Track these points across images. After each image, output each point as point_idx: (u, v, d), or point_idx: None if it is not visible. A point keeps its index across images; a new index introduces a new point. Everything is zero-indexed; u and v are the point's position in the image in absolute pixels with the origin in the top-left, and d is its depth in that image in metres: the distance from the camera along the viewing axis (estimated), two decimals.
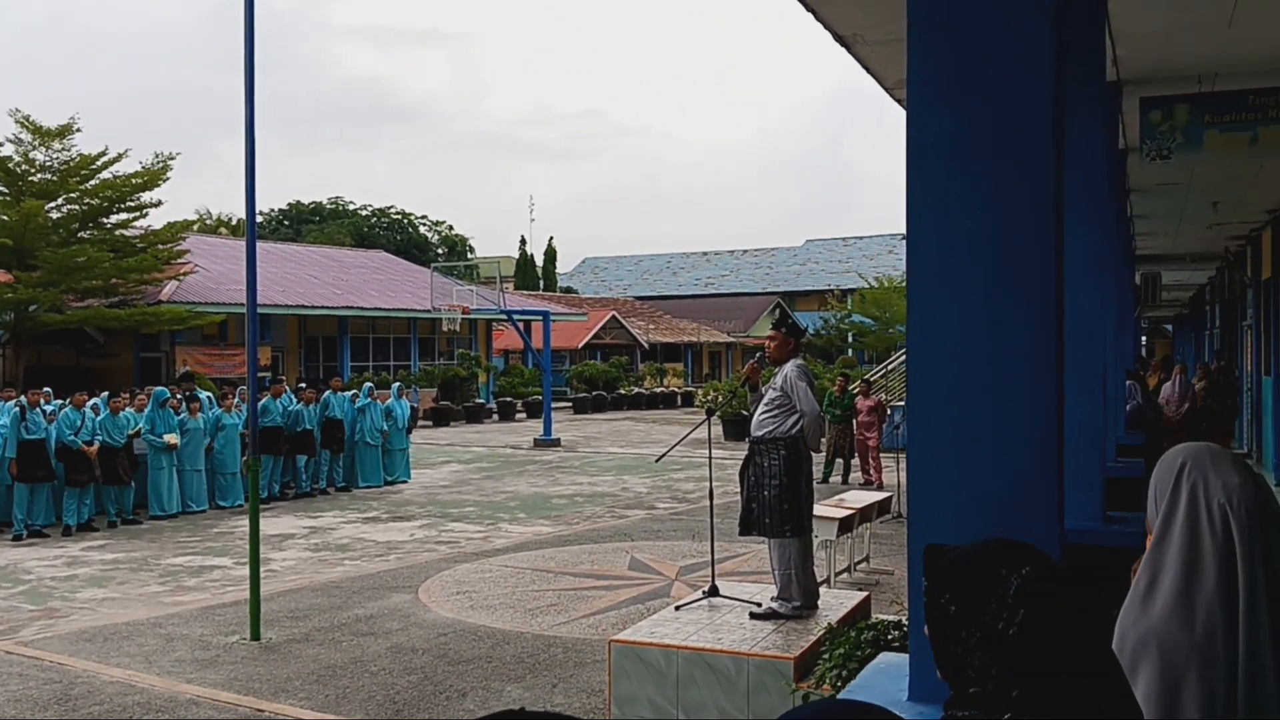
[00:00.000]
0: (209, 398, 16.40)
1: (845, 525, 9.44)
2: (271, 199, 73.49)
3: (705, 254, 73.96)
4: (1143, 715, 1.64)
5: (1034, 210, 2.94)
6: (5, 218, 24.87)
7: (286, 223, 64.55)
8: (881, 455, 16.97)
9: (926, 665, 1.83)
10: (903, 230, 3.35)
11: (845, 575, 9.93)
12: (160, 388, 16.19)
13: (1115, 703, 1.57)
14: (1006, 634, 1.56)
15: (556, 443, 25.09)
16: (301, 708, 6.66)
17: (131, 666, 7.61)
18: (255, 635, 8.28)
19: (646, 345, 48.60)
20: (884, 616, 6.39)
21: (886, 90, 7.64)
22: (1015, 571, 1.59)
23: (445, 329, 27.94)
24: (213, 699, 6.86)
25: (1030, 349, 2.92)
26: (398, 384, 19.93)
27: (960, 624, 1.60)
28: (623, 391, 39.85)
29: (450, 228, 70.19)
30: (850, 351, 47.32)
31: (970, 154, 2.99)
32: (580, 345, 45.09)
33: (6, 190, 25.82)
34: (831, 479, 17.12)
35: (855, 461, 17.46)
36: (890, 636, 5.52)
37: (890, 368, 26.75)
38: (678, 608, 7.12)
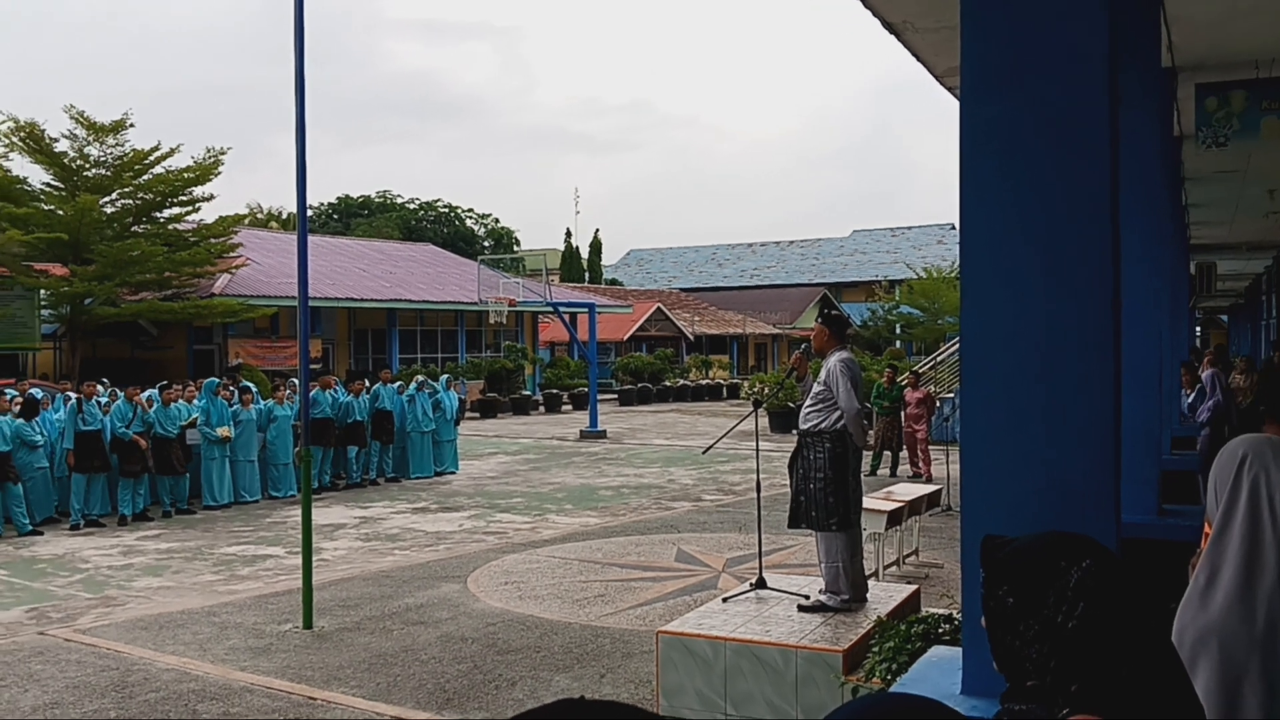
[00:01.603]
0: (254, 390, 16.61)
1: (894, 518, 9.38)
2: (321, 193, 74.24)
3: (751, 245, 73.70)
4: (1203, 711, 1.61)
5: (1089, 199, 2.90)
6: (61, 212, 25.35)
7: (336, 216, 65.22)
8: (930, 447, 16.83)
9: (981, 658, 1.82)
10: (953, 220, 3.32)
11: (894, 568, 9.87)
12: (211, 379, 16.46)
13: (1175, 698, 1.54)
14: (1065, 627, 1.55)
15: (602, 435, 25.15)
16: (353, 696, 6.74)
17: (186, 654, 7.74)
18: (308, 624, 8.39)
19: (692, 337, 48.54)
20: (934, 610, 6.34)
21: (937, 78, 7.57)
22: (1075, 564, 1.58)
23: (492, 321, 28.08)
24: (266, 686, 6.96)
25: (1085, 340, 2.88)
26: (445, 376, 20.07)
27: (1018, 616, 1.59)
28: (668, 384, 39.84)
29: (496, 220, 70.62)
30: (898, 343, 46.93)
31: (1024, 142, 2.96)
32: (625, 337, 45.13)
33: (62, 185, 26.31)
34: (880, 471, 17.00)
35: (904, 454, 17.33)
36: (941, 630, 5.48)
37: (939, 359, 26.50)
38: (725, 599, 7.12)
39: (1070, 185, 2.89)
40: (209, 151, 27.22)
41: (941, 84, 7.63)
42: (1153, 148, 6.41)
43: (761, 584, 7.21)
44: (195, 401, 14.94)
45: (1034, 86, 2.94)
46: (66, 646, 8.00)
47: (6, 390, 14.26)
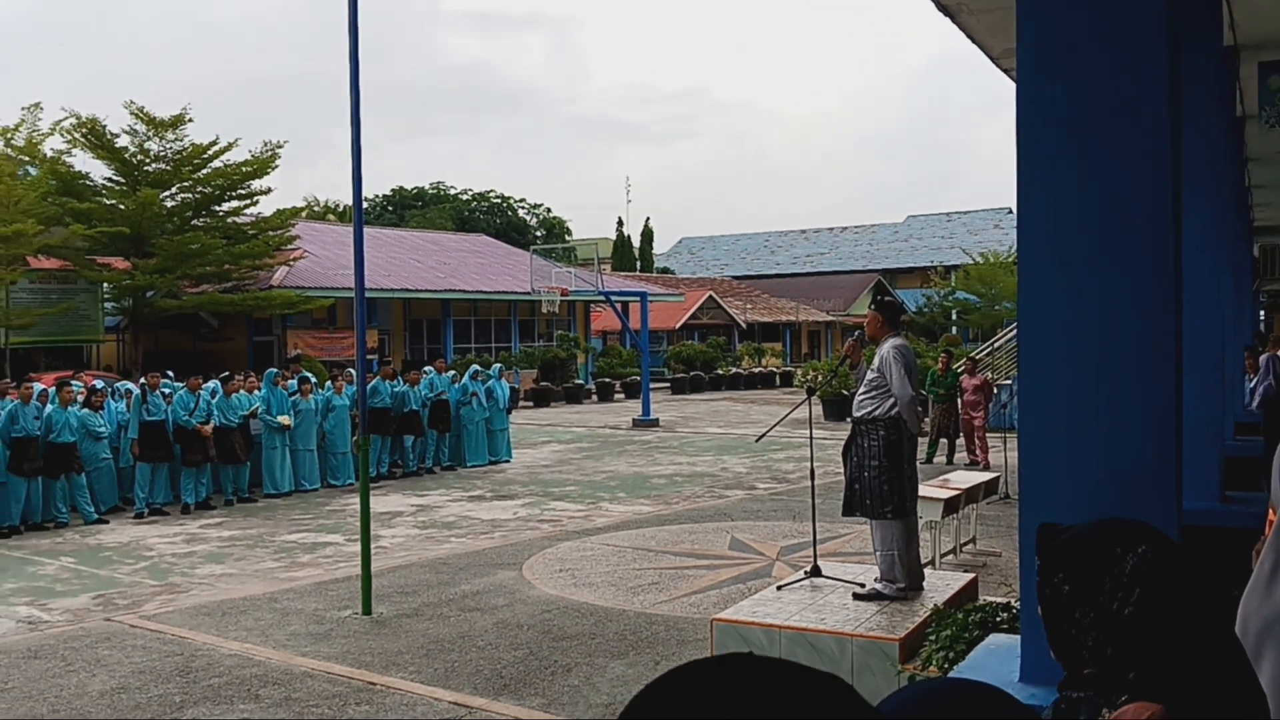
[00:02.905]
0: (313, 379, 16.84)
1: (951, 506, 9.30)
2: (376, 185, 74.98)
3: (804, 232, 73.23)
4: (1267, 701, 1.59)
5: (1149, 182, 2.86)
6: (122, 207, 25.85)
7: (390, 208, 65.84)
8: (988, 435, 16.65)
9: (1039, 646, 1.81)
10: (1009, 204, 3.28)
11: (951, 557, 9.79)
12: (271, 369, 16.73)
13: (1238, 688, 1.52)
14: (1122, 614, 1.53)
15: (655, 423, 25.18)
16: (412, 681, 6.83)
17: (249, 640, 7.89)
18: (366, 610, 8.51)
19: (744, 325, 48.39)
20: (992, 598, 6.29)
21: (993, 60, 7.46)
22: (1131, 550, 1.56)
23: (544, 311, 28.24)
24: (326, 671, 7.07)
25: (1146, 324, 2.84)
26: (498, 365, 20.19)
27: (1074, 604, 1.57)
28: (720, 372, 39.75)
29: (548, 210, 70.84)
30: (954, 329, 46.41)
31: (1082, 124, 2.92)
32: (677, 326, 45.10)
33: (123, 180, 26.81)
34: (936, 459, 16.86)
35: (960, 441, 17.16)
36: (999, 618, 5.43)
37: (996, 345, 26.18)
38: (779, 588, 7.12)
39: (1129, 168, 2.85)
40: (266, 145, 27.59)
41: (998, 66, 7.51)
42: (1214, 128, 6.28)
43: (816, 572, 7.20)
44: (256, 392, 15.20)
45: (1092, 67, 2.90)
46: (132, 632, 8.18)
47: (71, 382, 14.60)
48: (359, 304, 9.03)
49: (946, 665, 5.14)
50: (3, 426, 12.56)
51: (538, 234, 65.89)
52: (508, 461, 18.56)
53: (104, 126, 26.01)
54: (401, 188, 68.33)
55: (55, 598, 9.47)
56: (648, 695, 0.80)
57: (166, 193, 26.79)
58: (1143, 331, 2.83)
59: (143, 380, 14.52)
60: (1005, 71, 7.57)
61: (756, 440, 13.38)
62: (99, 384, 15.06)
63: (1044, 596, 1.63)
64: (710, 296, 47.35)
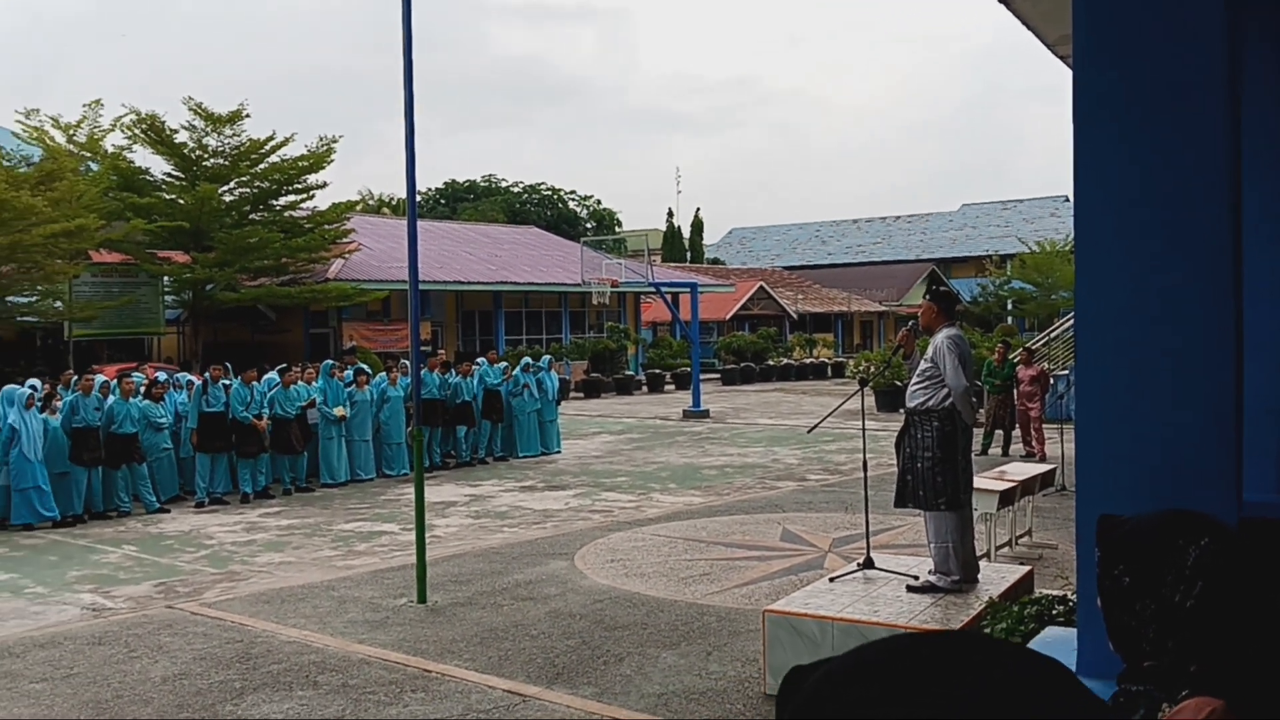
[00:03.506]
0: (369, 371, 17.04)
1: (1006, 498, 9.20)
2: (428, 178, 75.65)
3: (856, 221, 72.68)
4: None
5: (1208, 167, 2.81)
6: (182, 202, 26.32)
7: (443, 201, 66.32)
8: (1044, 426, 16.44)
9: (1097, 639, 1.79)
10: (1066, 192, 3.25)
11: (1006, 549, 9.69)
12: (327, 360, 16.95)
13: None
14: (1183, 606, 1.52)
15: (705, 414, 25.16)
16: (466, 669, 6.90)
17: (307, 627, 8.01)
18: (422, 598, 8.60)
19: (795, 316, 48.17)
20: (1048, 591, 6.23)
21: (1048, 47, 7.34)
22: (1193, 543, 1.54)
23: (595, 302, 28.28)
24: (383, 658, 7.17)
25: (1206, 312, 2.80)
26: (548, 356, 20.27)
27: (1134, 596, 1.56)
28: (771, 363, 39.61)
29: (598, 202, 70.91)
30: (1010, 319, 45.86)
31: (1140, 110, 2.87)
32: (728, 316, 45.00)
33: (182, 175, 27.29)
34: (991, 451, 16.68)
35: (1016, 433, 16.97)
36: (1055, 611, 5.38)
37: (1053, 335, 25.84)
38: (832, 579, 7.09)
39: (1189, 152, 2.80)
40: (321, 140, 27.95)
41: (1053, 52, 7.39)
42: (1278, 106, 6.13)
43: (869, 564, 7.16)
44: (314, 383, 15.42)
45: (1150, 52, 2.85)
46: (193, 619, 8.34)
47: (133, 374, 14.90)
48: (413, 296, 9.12)
49: None
50: (64, 417, 12.85)
51: (588, 225, 66.03)
52: (558, 452, 18.64)
53: (163, 122, 26.48)
54: (454, 181, 68.82)
55: (118, 585, 9.68)
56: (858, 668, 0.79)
57: (225, 187, 27.23)
58: (1202, 319, 2.79)
59: (205, 373, 14.78)
60: (1061, 58, 7.45)
61: (808, 431, 13.33)
62: (161, 376, 15.35)
63: (1104, 588, 1.62)
64: (761, 287, 47.18)
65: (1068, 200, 56.31)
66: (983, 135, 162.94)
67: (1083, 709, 0.79)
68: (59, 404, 13.04)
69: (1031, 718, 0.75)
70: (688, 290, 30.68)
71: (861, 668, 0.79)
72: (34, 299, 23.58)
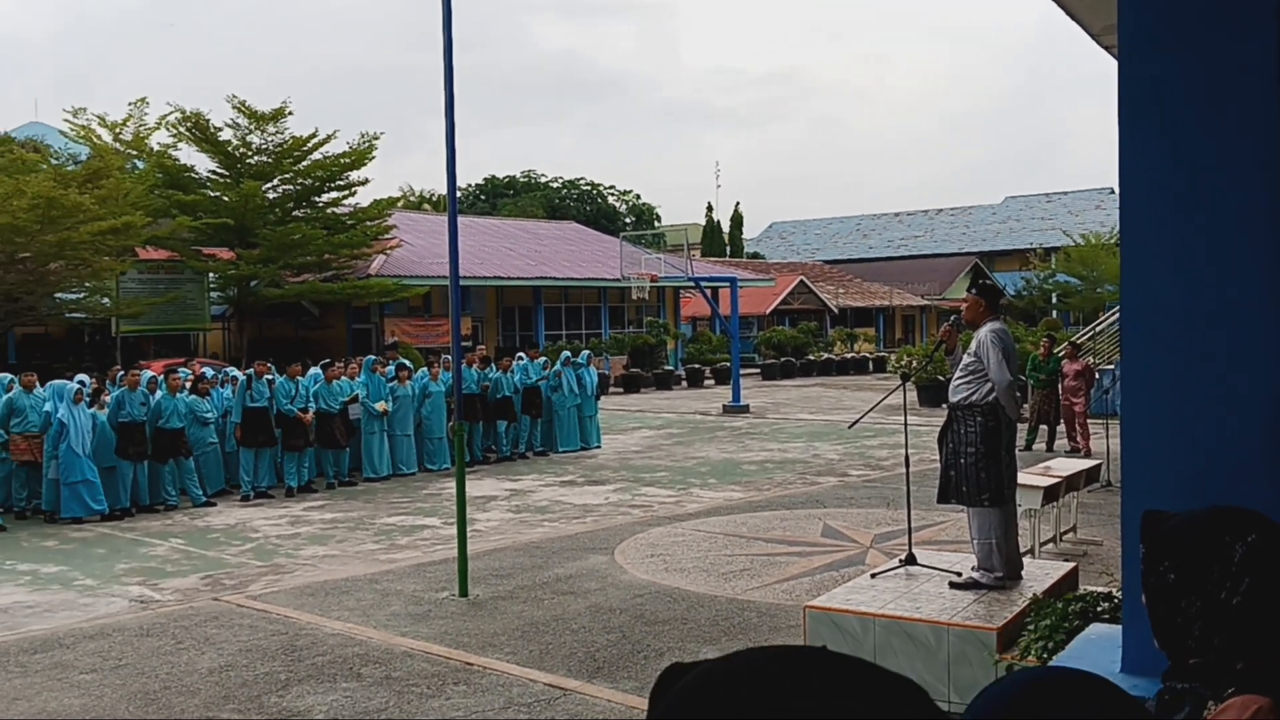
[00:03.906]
0: (410, 366, 17.16)
1: (1050, 494, 9.10)
2: (469, 174, 75.84)
3: (898, 214, 72.15)
4: None
5: (1255, 160, 2.76)
6: (226, 199, 26.64)
7: (483, 197, 66.63)
8: (1089, 421, 16.25)
9: (1142, 636, 1.78)
10: (1112, 184, 3.20)
11: (1051, 546, 9.60)
12: (369, 356, 17.10)
13: None
14: (1230, 603, 1.50)
15: (745, 409, 25.10)
16: (508, 662, 6.94)
17: (351, 619, 8.10)
18: (463, 592, 8.66)
19: (836, 310, 47.91)
20: (1093, 588, 6.15)
21: (1093, 37, 7.24)
22: (1240, 539, 1.52)
23: (634, 297, 28.34)
24: (425, 651, 7.23)
25: (1256, 305, 2.75)
26: (586, 351, 20.30)
27: (1180, 593, 1.54)
28: (812, 357, 39.43)
29: (638, 197, 70.93)
30: (1054, 313, 45.34)
31: (1188, 100, 2.83)
32: (768, 311, 44.85)
33: (226, 173, 27.62)
34: (1035, 446, 16.52)
35: (1061, 428, 16.79)
36: (1100, 608, 5.31)
37: (1098, 329, 25.51)
38: (873, 575, 7.06)
39: (1236, 146, 2.75)
40: (363, 137, 28.17)
41: (1098, 43, 7.30)
42: None
43: (911, 560, 7.12)
44: (356, 379, 15.56)
45: (1197, 42, 2.81)
46: (239, 611, 8.45)
47: (179, 369, 15.11)
48: (453, 292, 9.17)
49: (1046, 655, 5.05)
50: (110, 412, 13.05)
51: (627, 220, 66.08)
52: (598, 448, 18.67)
53: (208, 120, 26.80)
54: (493, 176, 69.10)
55: (166, 578, 9.83)
56: (710, 679, 0.80)
57: (268, 184, 27.53)
58: (1252, 312, 2.74)
59: (249, 369, 14.96)
60: (1106, 49, 7.35)
61: (849, 427, 13.26)
62: (209, 371, 15.55)
63: (1149, 585, 1.60)
64: (801, 281, 46.97)
65: (1113, 192, 55.54)
66: (1027, 127, 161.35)
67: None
68: (107, 399, 13.25)
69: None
70: (727, 285, 30.62)
71: (742, 670, 0.80)
72: (82, 295, 23.97)
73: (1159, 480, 2.83)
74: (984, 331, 6.68)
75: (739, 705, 0.77)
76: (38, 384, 13.28)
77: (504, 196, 65.73)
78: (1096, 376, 17.51)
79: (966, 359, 6.72)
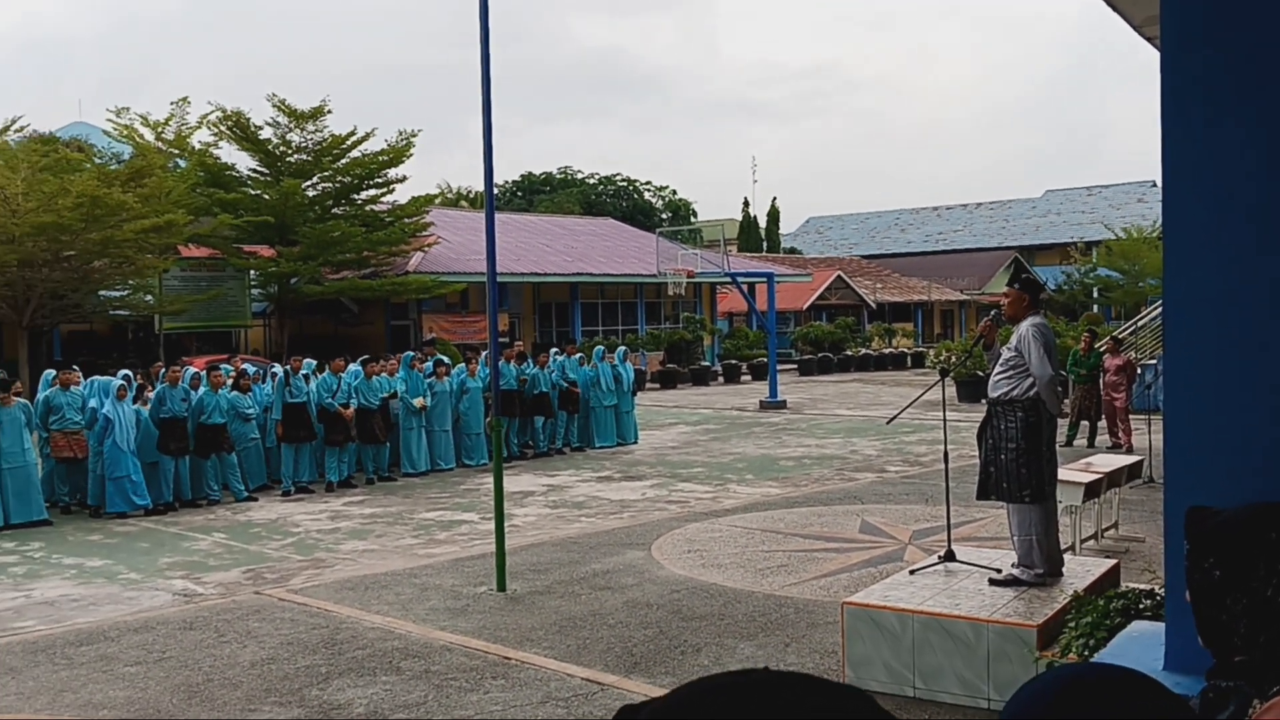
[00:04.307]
0: (449, 362, 17.25)
1: (1092, 490, 9.02)
2: (506, 171, 76.16)
3: (936, 209, 71.61)
4: None
5: None
6: (267, 197, 26.90)
7: (520, 194, 66.84)
8: (1131, 417, 16.07)
9: (1185, 633, 1.76)
10: (1154, 177, 3.16)
11: (1092, 542, 9.50)
12: (408, 352, 17.23)
13: None
14: (1276, 601, 1.48)
15: (782, 405, 25.02)
16: (545, 656, 6.97)
17: (390, 613, 8.16)
18: (501, 586, 8.70)
19: (874, 305, 47.65)
20: (1135, 585, 6.09)
21: (1135, 28, 7.16)
22: None
23: (670, 293, 28.31)
24: (464, 645, 7.27)
25: None
26: (622, 348, 20.32)
27: (1225, 590, 1.53)
28: (849, 353, 39.24)
29: (674, 193, 70.86)
30: (1095, 307, 44.85)
31: (1234, 91, 2.79)
32: (805, 306, 44.68)
33: (267, 171, 27.90)
34: (1076, 442, 16.35)
35: (1102, 424, 16.60)
36: (1142, 605, 5.26)
37: (1140, 324, 25.21)
38: (912, 571, 7.02)
39: None
40: (401, 134, 28.34)
41: (1140, 34, 7.20)
42: None
43: (950, 556, 7.07)
44: (395, 375, 15.67)
45: (1242, 31, 2.76)
46: (280, 605, 8.54)
47: (221, 366, 15.28)
48: (491, 288, 9.21)
49: (1086, 653, 5.00)
50: (151, 408, 13.22)
51: (663, 216, 66.03)
52: (635, 443, 18.69)
53: (248, 119, 27.06)
54: (530, 173, 69.30)
55: (208, 572, 9.95)
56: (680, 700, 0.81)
57: (308, 182, 27.77)
58: None
59: (286, 365, 15.12)
60: (1149, 40, 7.26)
61: (888, 422, 13.20)
62: (250, 368, 15.73)
63: (1193, 582, 1.58)
64: (839, 276, 46.74)
65: (1155, 185, 54.82)
66: (1067, 119, 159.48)
67: None
68: (150, 395, 13.43)
69: None
70: (764, 280, 30.52)
71: (697, 698, 0.81)
72: (126, 293, 24.32)
73: (1203, 476, 2.79)
74: (1025, 326, 6.62)
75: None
76: (81, 380, 13.46)
77: (540, 193, 65.90)
78: (1138, 371, 17.30)
79: (1007, 354, 6.66)
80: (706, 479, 14.67)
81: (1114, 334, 20.88)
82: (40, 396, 13.23)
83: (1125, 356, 17.41)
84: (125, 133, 26.07)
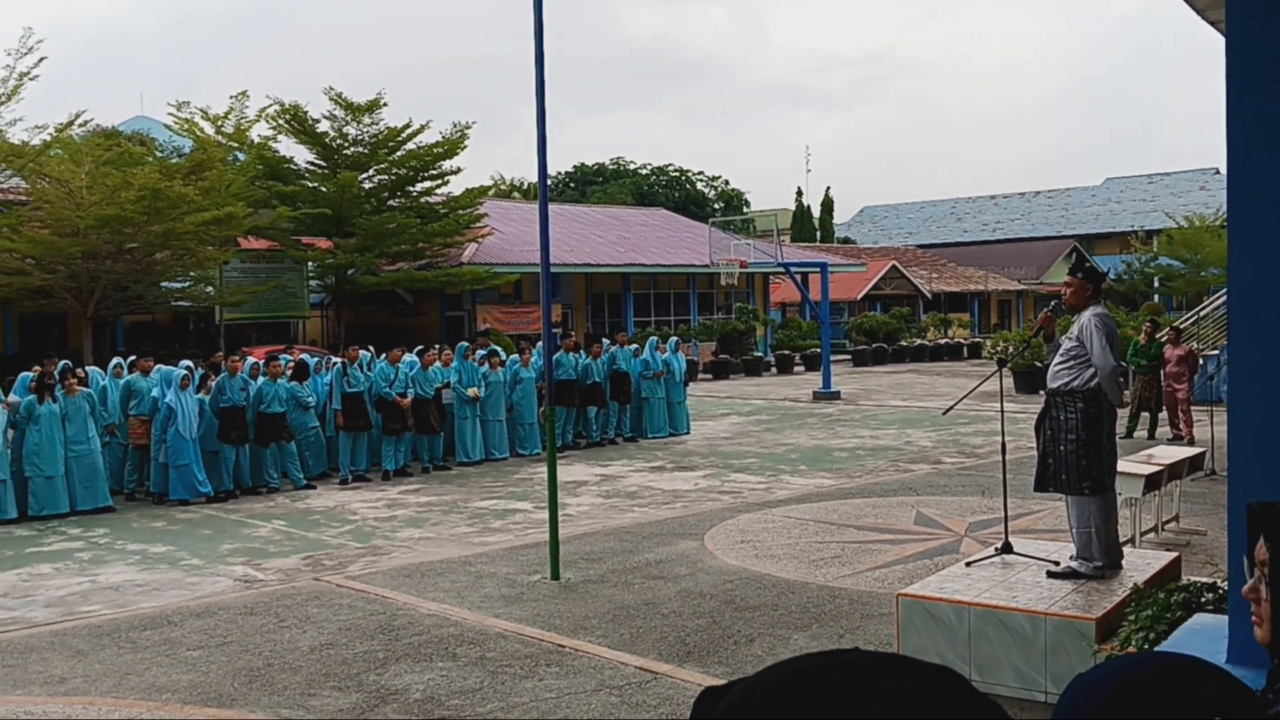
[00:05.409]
0: (502, 352, 17.36)
1: (1152, 482, 8.88)
2: (559, 162, 76.51)
3: (993, 197, 70.65)
4: None
5: None
6: (324, 189, 27.24)
7: (572, 184, 67.02)
8: (1193, 408, 15.77)
9: (1250, 626, 1.73)
10: (1217, 164, 3.11)
11: (1152, 535, 9.36)
12: (462, 343, 17.37)
13: None
14: None
15: (836, 395, 24.88)
16: (599, 645, 7.01)
17: (446, 601, 8.25)
18: (555, 575, 8.76)
19: (929, 295, 47.17)
20: (1196, 578, 5.99)
21: (1198, 12, 7.01)
22: None
23: (723, 283, 28.19)
24: (518, 633, 7.34)
25: None
26: (674, 338, 20.29)
27: None
28: (904, 343, 38.89)
29: (726, 183, 70.66)
30: (1156, 297, 44.04)
31: None
32: (859, 296, 44.34)
33: (324, 164, 28.22)
34: (1136, 434, 16.09)
35: (1163, 415, 16.32)
36: (1204, 599, 5.17)
37: (1202, 314, 24.73)
38: (969, 564, 6.96)
39: None
40: (455, 126, 28.52)
41: (1203, 18, 7.06)
42: None
43: (1007, 549, 7.00)
44: (450, 365, 15.81)
45: None
46: (339, 592, 8.67)
47: (280, 356, 15.51)
48: (544, 279, 9.26)
49: (1146, 646, 4.93)
50: (211, 397, 13.46)
51: (716, 206, 65.85)
52: (687, 434, 18.68)
53: (305, 112, 27.39)
54: (583, 164, 69.45)
55: (268, 558, 10.13)
56: (757, 692, 0.81)
57: (364, 175, 28.05)
58: None
59: (343, 355, 15.31)
60: (1213, 24, 7.11)
61: (944, 413, 13.08)
62: (308, 358, 15.95)
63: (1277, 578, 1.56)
64: (894, 266, 46.31)
65: (1219, 173, 53.64)
66: (1127, 105, 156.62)
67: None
68: (212, 384, 13.67)
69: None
70: (817, 270, 30.35)
71: (784, 682, 0.81)
72: (187, 284, 24.75)
73: (1267, 469, 2.74)
74: (1087, 315, 6.53)
75: (789, 711, 0.78)
76: (154, 367, 13.82)
77: (593, 184, 66.00)
78: (1200, 362, 16.98)
79: (1067, 344, 6.57)
80: (759, 470, 14.64)
81: (1175, 324, 20.49)
82: (122, 381, 13.61)
83: (1187, 347, 17.08)
84: (186, 127, 26.49)
